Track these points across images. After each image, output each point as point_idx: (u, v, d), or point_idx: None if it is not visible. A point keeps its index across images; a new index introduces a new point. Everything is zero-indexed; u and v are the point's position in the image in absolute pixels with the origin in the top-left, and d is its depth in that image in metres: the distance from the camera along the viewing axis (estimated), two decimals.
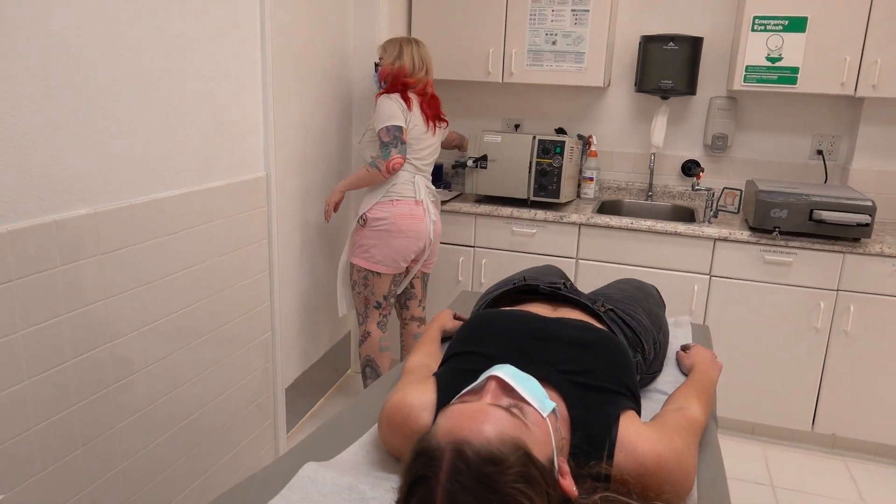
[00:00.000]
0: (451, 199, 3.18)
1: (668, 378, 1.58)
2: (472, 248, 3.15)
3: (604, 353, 1.19)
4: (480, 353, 1.18)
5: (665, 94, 3.10)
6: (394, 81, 2.62)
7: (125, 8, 1.57)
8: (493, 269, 3.12)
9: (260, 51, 2.16)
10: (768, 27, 2.78)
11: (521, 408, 0.94)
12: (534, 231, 3.03)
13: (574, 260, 3.01)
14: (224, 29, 1.97)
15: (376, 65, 2.72)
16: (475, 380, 1.05)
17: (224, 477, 2.19)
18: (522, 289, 1.56)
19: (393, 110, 2.53)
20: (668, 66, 3.02)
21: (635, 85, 3.20)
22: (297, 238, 2.77)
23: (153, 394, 1.80)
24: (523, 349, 1.17)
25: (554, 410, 1.00)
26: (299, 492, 0.99)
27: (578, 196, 3.37)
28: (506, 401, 0.95)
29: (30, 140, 1.36)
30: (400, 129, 2.51)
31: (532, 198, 3.05)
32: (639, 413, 1.15)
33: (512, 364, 1.06)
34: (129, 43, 1.60)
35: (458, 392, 1.06)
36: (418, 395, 1.12)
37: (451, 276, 3.19)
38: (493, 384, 0.97)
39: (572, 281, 1.84)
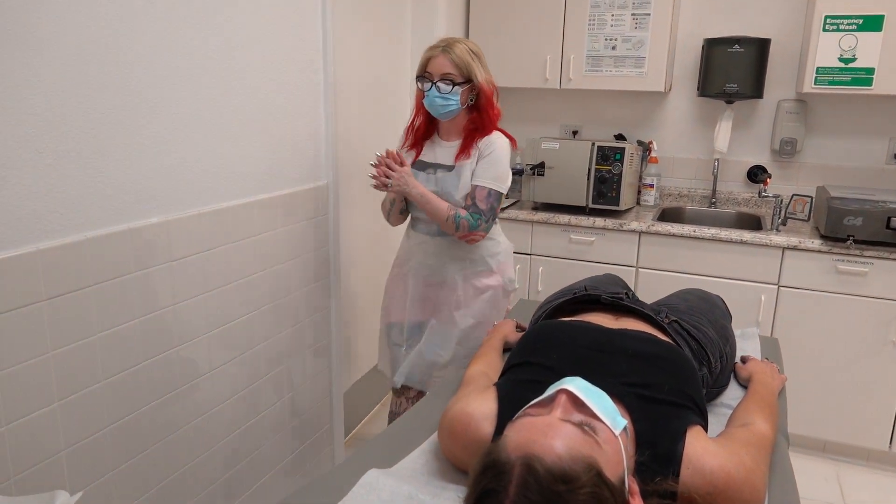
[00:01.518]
0: (508, 206, 3.16)
1: (736, 392, 1.52)
2: (528, 256, 3.12)
3: (668, 365, 1.16)
4: (542, 365, 1.16)
5: (730, 99, 3.01)
6: (492, 111, 2.06)
7: (194, 27, 1.63)
8: (551, 277, 3.09)
9: (322, 63, 2.20)
10: (841, 27, 2.66)
11: (593, 425, 0.91)
12: (592, 239, 2.99)
13: (634, 269, 2.95)
14: (288, 44, 2.02)
15: (436, 83, 1.98)
16: (536, 391, 1.03)
17: (283, 479, 2.23)
18: (583, 298, 1.54)
19: (507, 170, 2.06)
20: (733, 70, 2.94)
21: (698, 89, 3.12)
22: (356, 246, 2.80)
23: (217, 396, 1.85)
24: (585, 361, 1.15)
25: (625, 428, 0.97)
26: (360, 499, 1.00)
27: (638, 203, 3.30)
28: (577, 416, 0.92)
29: (105, 151, 1.42)
30: (501, 199, 2.08)
31: (591, 205, 3.00)
32: (706, 428, 1.11)
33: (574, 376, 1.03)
34: (198, 59, 1.65)
35: (519, 403, 1.04)
36: (479, 405, 1.11)
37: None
38: (563, 398, 0.95)
39: (633, 291, 1.80)
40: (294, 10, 2.03)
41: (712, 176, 3.25)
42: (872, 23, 2.62)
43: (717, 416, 1.41)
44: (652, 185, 3.24)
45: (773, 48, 3.03)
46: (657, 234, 2.87)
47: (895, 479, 2.71)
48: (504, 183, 2.04)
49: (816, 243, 2.64)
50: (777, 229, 2.82)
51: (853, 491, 2.62)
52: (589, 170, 2.97)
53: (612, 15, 2.98)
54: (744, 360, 1.61)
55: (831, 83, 2.72)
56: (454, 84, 1.96)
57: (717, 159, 3.19)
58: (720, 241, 2.78)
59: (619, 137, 3.34)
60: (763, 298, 2.75)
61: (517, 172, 3.11)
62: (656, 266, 2.91)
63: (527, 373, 1.16)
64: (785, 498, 1.17)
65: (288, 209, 2.09)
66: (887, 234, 2.53)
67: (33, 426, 1.31)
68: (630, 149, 2.96)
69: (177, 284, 1.65)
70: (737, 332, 1.86)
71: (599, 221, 2.94)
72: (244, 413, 1.98)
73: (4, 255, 1.22)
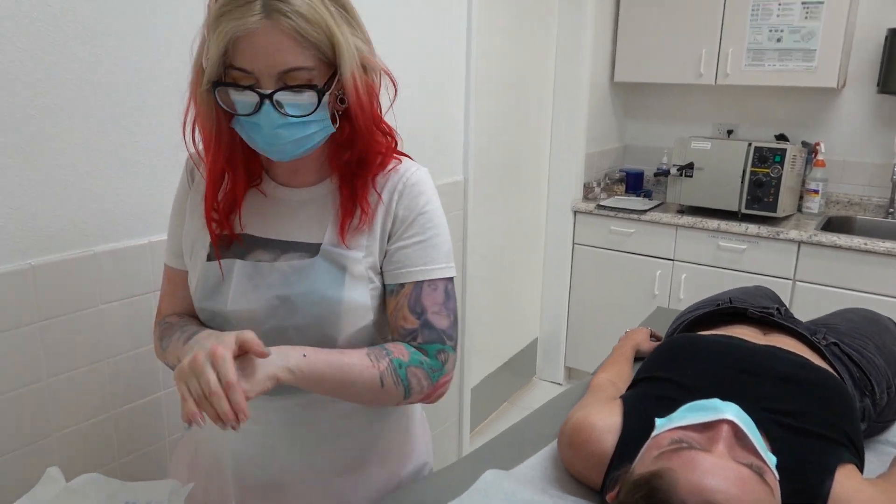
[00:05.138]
0: (651, 208, 3.02)
1: None
2: (671, 262, 2.96)
3: (822, 394, 1.04)
4: (676, 382, 1.09)
5: None
6: (381, 121, 0.97)
7: None
8: (694, 286, 2.91)
9: (465, 58, 2.21)
10: None
11: (761, 467, 0.83)
12: (744, 247, 2.77)
13: (790, 282, 2.70)
14: (430, 37, 2.05)
15: (271, 95, 0.83)
16: (667, 409, 0.96)
17: None
18: (727, 311, 1.43)
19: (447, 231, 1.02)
20: None
21: (878, 85, 2.79)
22: (488, 241, 2.80)
23: None
24: (725, 381, 1.06)
25: (777, 466, 0.88)
26: (476, 501, 0.99)
27: (800, 210, 3.02)
28: (743, 455, 0.84)
29: None
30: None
31: (744, 210, 2.79)
32: (861, 469, 0.99)
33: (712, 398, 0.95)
34: None
35: (646, 419, 0.98)
36: (603, 417, 1.06)
37: (647, 289, 3.03)
38: (726, 429, 0.86)
39: (786, 307, 1.65)
40: (438, 3, 2.05)
41: (891, 182, 2.90)
42: None
43: (879, 455, 1.25)
44: (817, 191, 2.95)
45: None
46: (820, 244, 2.61)
47: None
48: (452, 256, 1.02)
49: None
50: None
51: None
52: (744, 172, 2.76)
53: (780, 4, 2.74)
54: None
55: None
56: (316, 90, 0.85)
57: None
58: None
59: (781, 138, 3.07)
60: None
61: (663, 173, 2.97)
62: (817, 280, 2.65)
63: (658, 388, 1.09)
64: None
65: None
66: None
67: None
68: (792, 150, 2.71)
69: None
70: None
71: (753, 228, 2.73)
72: None
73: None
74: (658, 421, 0.93)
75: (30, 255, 1.17)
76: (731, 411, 0.87)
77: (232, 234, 0.97)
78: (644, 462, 0.87)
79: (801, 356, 1.16)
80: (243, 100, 0.84)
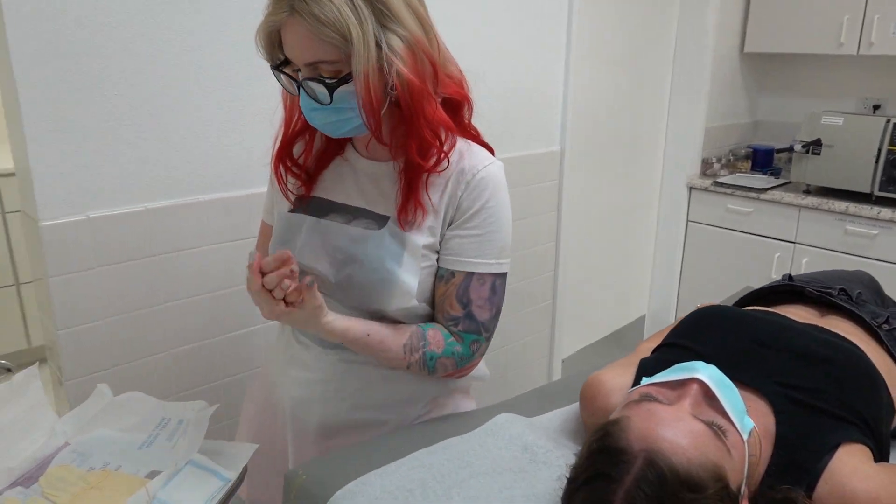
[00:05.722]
0: (772, 187, 2.85)
1: None
2: (791, 244, 2.80)
3: (841, 373, 1.01)
4: (691, 349, 1.10)
5: None
6: (434, 111, 0.98)
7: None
8: (816, 271, 2.72)
9: (566, 26, 2.22)
10: None
11: (723, 426, 0.85)
12: (875, 232, 2.56)
13: None
14: (531, 8, 2.08)
15: (302, 82, 0.94)
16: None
17: None
18: (786, 289, 1.38)
19: (510, 225, 1.08)
20: None
21: None
22: (591, 213, 2.80)
23: None
24: (739, 353, 1.06)
25: (751, 431, 0.89)
26: (480, 439, 1.08)
27: None
28: (708, 413, 0.86)
29: None
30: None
31: (877, 192, 2.56)
32: (875, 453, 0.95)
33: (722, 369, 0.96)
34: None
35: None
36: (615, 376, 1.10)
37: (763, 272, 2.88)
38: (694, 387, 0.88)
39: (875, 294, 1.54)
40: None
41: None
42: None
43: None
44: None
45: None
46: None
47: None
48: (508, 252, 1.08)
49: None
50: None
51: None
52: (879, 151, 2.53)
53: None
54: None
55: None
56: (329, 84, 0.92)
57: None
58: None
59: None
60: None
61: (787, 150, 2.78)
62: None
63: (674, 354, 1.11)
64: None
65: (520, 171, 2.18)
66: None
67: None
68: None
69: None
70: None
71: (887, 212, 2.50)
72: None
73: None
74: (643, 379, 0.96)
75: (145, 200, 1.42)
76: (705, 372, 0.89)
77: (310, 194, 1.09)
78: (615, 413, 0.92)
79: (841, 337, 1.11)
80: (289, 83, 0.97)
